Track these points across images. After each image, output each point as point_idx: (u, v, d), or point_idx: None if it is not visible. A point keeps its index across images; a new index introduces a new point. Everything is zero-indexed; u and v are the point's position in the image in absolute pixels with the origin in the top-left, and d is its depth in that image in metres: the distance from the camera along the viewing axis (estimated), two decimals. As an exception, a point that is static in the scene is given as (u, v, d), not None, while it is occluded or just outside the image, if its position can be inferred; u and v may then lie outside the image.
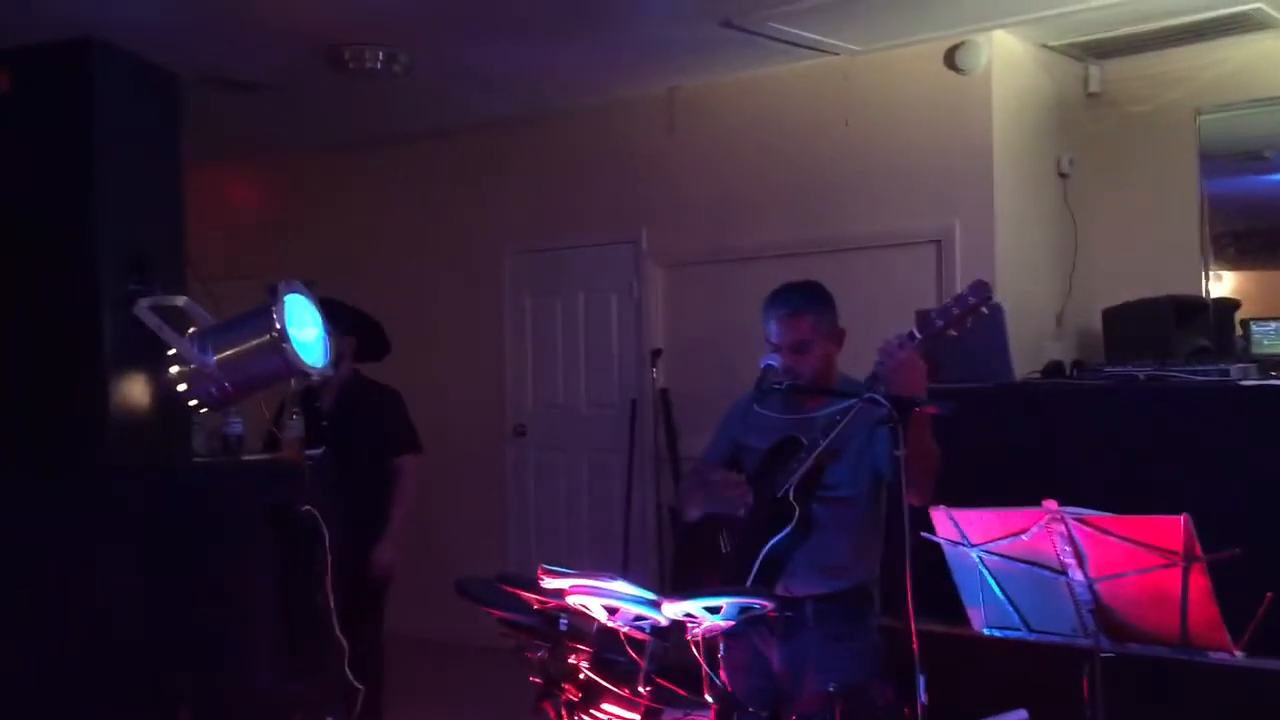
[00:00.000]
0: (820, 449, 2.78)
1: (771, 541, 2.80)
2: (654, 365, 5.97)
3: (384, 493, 4.70)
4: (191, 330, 2.99)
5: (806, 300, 2.97)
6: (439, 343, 6.96)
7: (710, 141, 6.02)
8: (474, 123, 6.63)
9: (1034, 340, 5.12)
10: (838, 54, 5.43)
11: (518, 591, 2.79)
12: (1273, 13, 4.83)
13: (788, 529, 2.80)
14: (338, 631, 3.26)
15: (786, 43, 5.24)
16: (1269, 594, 2.13)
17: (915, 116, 5.40)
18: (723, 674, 2.84)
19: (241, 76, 5.66)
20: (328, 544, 3.17)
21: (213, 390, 2.94)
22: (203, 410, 3.02)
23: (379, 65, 5.20)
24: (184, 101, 3.27)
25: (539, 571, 2.64)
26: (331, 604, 3.24)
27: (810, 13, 4.85)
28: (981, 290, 2.60)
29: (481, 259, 6.85)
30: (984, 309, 2.60)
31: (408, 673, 5.37)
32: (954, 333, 2.63)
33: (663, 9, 4.84)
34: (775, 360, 2.92)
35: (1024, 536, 2.31)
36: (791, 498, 2.80)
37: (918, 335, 2.65)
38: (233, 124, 6.45)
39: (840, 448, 2.80)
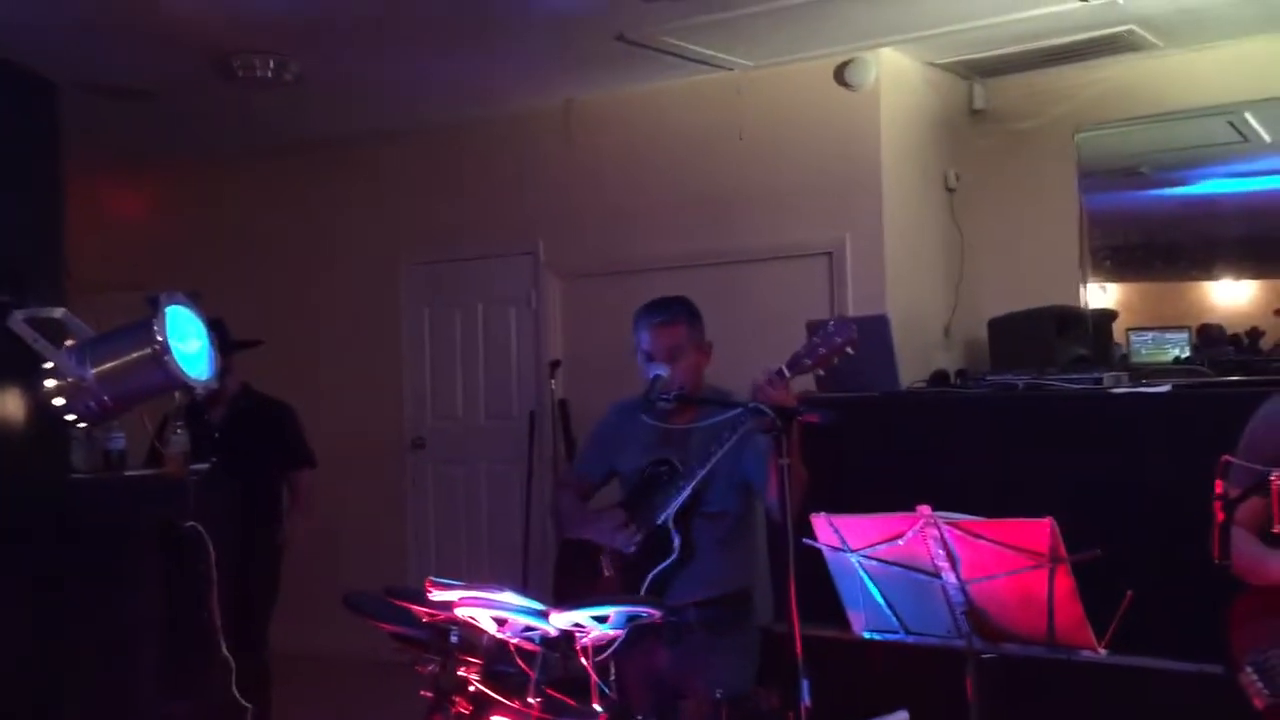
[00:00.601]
0: (698, 479, 2.86)
1: (657, 569, 2.89)
2: (552, 376, 5.97)
3: (272, 507, 4.64)
4: (70, 343, 2.92)
5: (678, 311, 3.08)
6: (334, 355, 6.88)
7: (607, 153, 6.06)
8: (368, 132, 6.57)
9: (923, 350, 5.25)
10: (731, 69, 5.51)
11: (407, 605, 2.77)
12: (1146, 35, 5.03)
13: (672, 557, 2.88)
14: (224, 650, 3.20)
15: (680, 57, 5.30)
16: (1130, 593, 2.21)
17: (807, 131, 5.50)
18: (614, 685, 2.86)
19: (128, 84, 5.54)
20: (213, 559, 3.12)
21: (91, 404, 2.86)
22: (81, 425, 2.95)
23: (269, 74, 5.13)
24: (64, 110, 3.20)
25: (427, 584, 2.63)
26: (218, 621, 3.18)
27: (703, 28, 4.91)
28: (847, 330, 2.72)
29: (377, 270, 6.79)
30: (849, 350, 2.72)
31: (299, 689, 5.30)
32: (821, 371, 2.77)
33: (556, 23, 4.86)
34: (663, 370, 2.97)
35: (900, 541, 2.37)
36: (671, 525, 2.87)
37: (786, 372, 2.74)
38: (121, 133, 6.31)
39: (713, 470, 2.87)
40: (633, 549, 2.95)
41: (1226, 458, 2.22)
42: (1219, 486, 2.16)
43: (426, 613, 2.72)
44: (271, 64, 5.12)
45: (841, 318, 2.80)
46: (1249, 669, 2.46)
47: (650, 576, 2.89)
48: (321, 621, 5.34)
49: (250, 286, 7.07)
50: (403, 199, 6.71)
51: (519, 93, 5.96)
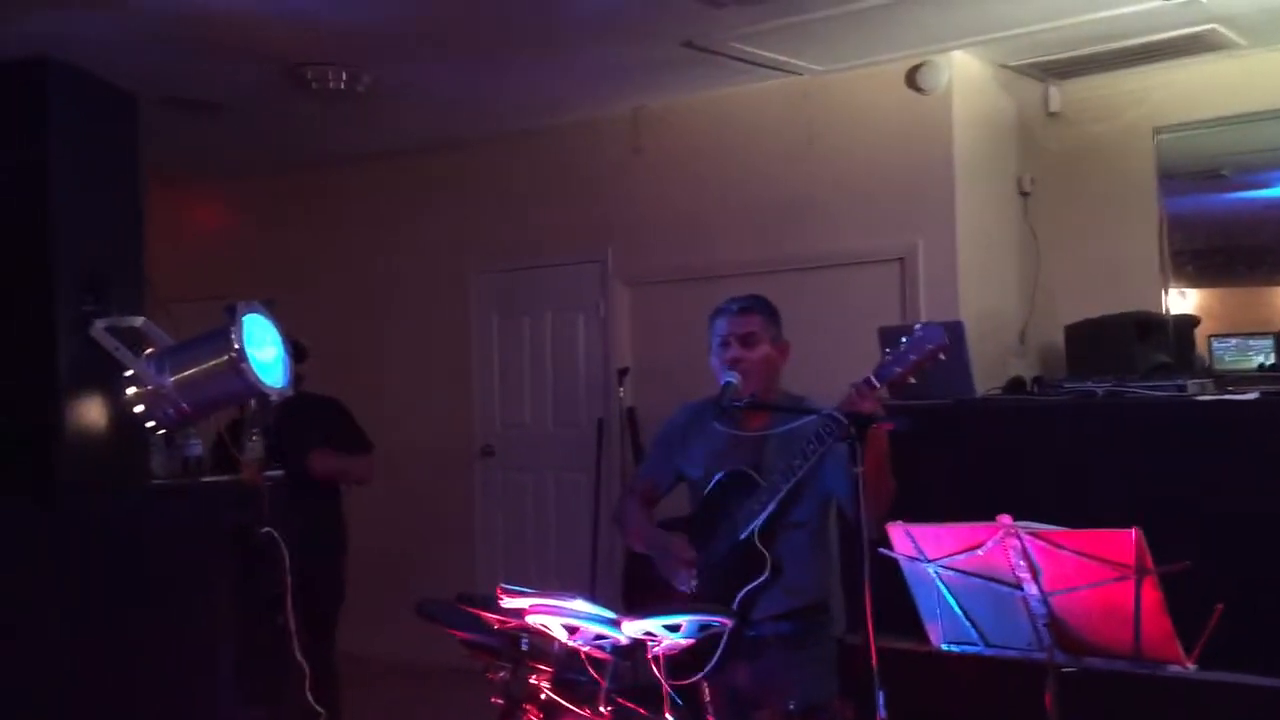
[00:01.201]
0: (783, 492, 2.80)
1: (747, 588, 2.84)
2: (620, 384, 5.97)
3: (334, 510, 4.67)
4: (149, 351, 2.97)
5: (756, 302, 3.07)
6: (404, 364, 6.95)
7: (675, 160, 6.05)
8: (438, 142, 6.63)
9: (998, 356, 5.16)
10: (800, 74, 5.47)
11: (478, 612, 2.78)
12: (1228, 33, 4.91)
13: (764, 577, 2.82)
14: (298, 655, 3.23)
15: (749, 63, 5.28)
16: (1219, 606, 2.15)
17: (877, 136, 5.44)
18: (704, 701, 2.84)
19: (204, 97, 5.65)
20: (287, 565, 3.15)
21: (170, 411, 2.90)
22: (160, 431, 2.99)
23: (342, 85, 5.20)
24: (143, 122, 3.25)
25: (498, 591, 2.63)
26: (292, 627, 3.21)
27: (771, 33, 4.88)
28: (938, 336, 2.63)
29: (447, 279, 6.84)
30: (941, 356, 2.63)
31: (371, 694, 5.34)
32: (912, 379, 2.66)
33: (624, 30, 4.86)
34: (734, 377, 2.94)
35: (979, 551, 2.32)
36: (758, 542, 2.83)
37: (875, 382, 2.67)
38: (196, 144, 6.43)
39: (799, 482, 2.82)
40: (690, 589, 2.91)
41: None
42: (1315, 497, 2.08)
43: (498, 620, 2.72)
44: (344, 75, 5.19)
45: (929, 323, 2.70)
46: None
47: (740, 595, 2.84)
48: (394, 627, 5.38)
49: (323, 296, 7.17)
50: (471, 208, 6.75)
51: (587, 101, 5.98)
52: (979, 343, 4.69)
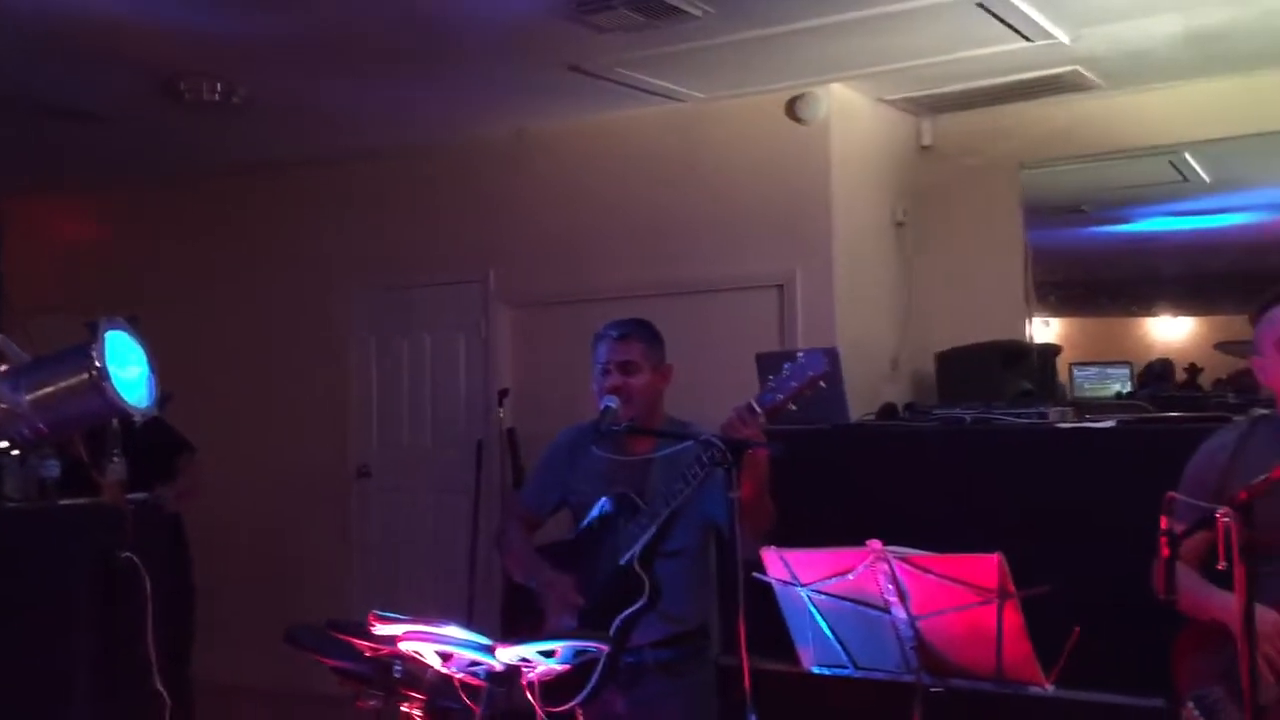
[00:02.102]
0: (663, 517, 2.82)
1: (625, 613, 2.83)
2: (501, 405, 5.93)
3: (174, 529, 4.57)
4: (3, 368, 2.84)
5: (637, 328, 3.07)
6: (279, 382, 6.80)
7: (558, 183, 6.06)
8: (317, 157, 6.52)
9: (872, 383, 5.27)
10: (683, 100, 5.53)
11: (349, 639, 2.72)
12: (1089, 75, 5.13)
13: (642, 602, 2.83)
14: (158, 684, 3.12)
15: (632, 88, 5.32)
16: (1076, 629, 2.22)
17: (758, 164, 5.53)
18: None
19: (74, 106, 5.45)
20: (149, 591, 3.04)
21: (25, 431, 2.79)
22: (14, 452, 2.87)
23: (216, 97, 5.08)
24: (6, 129, 3.13)
25: (370, 618, 2.58)
26: (153, 655, 3.10)
27: (655, 60, 4.94)
28: (819, 363, 2.67)
29: (325, 297, 6.72)
30: (822, 383, 2.66)
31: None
32: (793, 407, 2.69)
33: (509, 52, 4.86)
34: (614, 401, 2.95)
35: (850, 576, 2.37)
36: (638, 567, 2.84)
37: (757, 407, 2.69)
38: (64, 154, 6.21)
39: (678, 507, 2.84)
40: (574, 625, 2.89)
41: (1172, 495, 2.24)
42: (1164, 523, 2.17)
43: (369, 647, 2.67)
44: (219, 86, 5.07)
45: (811, 350, 2.74)
46: (1191, 704, 2.47)
47: (618, 621, 2.83)
48: (265, 654, 5.24)
49: (194, 311, 6.98)
50: (351, 225, 6.65)
51: (471, 120, 5.95)
52: (854, 369, 4.78)
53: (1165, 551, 2.15)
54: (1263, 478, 2.10)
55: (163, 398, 3.10)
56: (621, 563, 2.85)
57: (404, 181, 6.49)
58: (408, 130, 6.08)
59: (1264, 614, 2.28)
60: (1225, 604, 2.25)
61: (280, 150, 6.40)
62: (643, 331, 3.06)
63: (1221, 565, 2.07)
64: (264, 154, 6.47)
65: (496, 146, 6.16)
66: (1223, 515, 2.03)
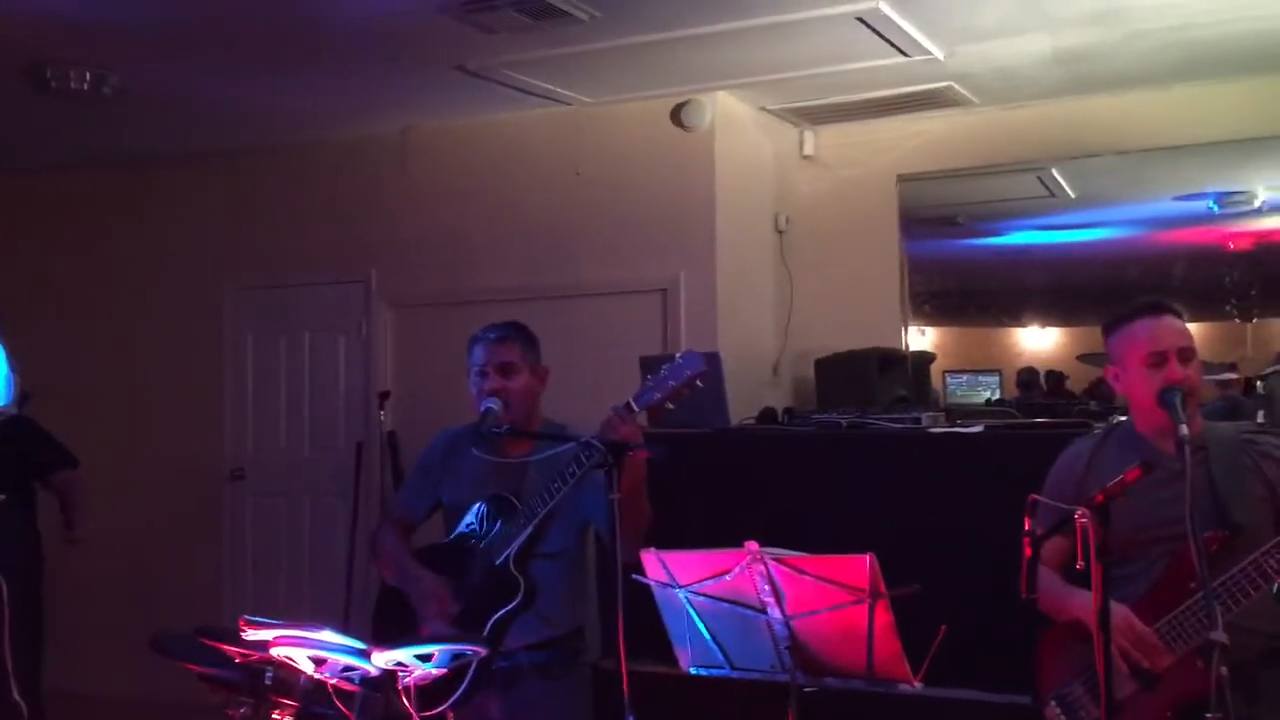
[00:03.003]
0: (539, 517, 2.82)
1: (499, 614, 2.83)
2: (382, 407, 5.85)
3: (32, 529, 4.39)
4: None
5: (513, 330, 3.07)
6: (151, 382, 6.59)
7: (443, 184, 6.00)
8: (193, 151, 6.35)
9: (753, 388, 5.35)
10: (569, 104, 5.54)
11: (219, 645, 2.66)
12: (963, 91, 5.29)
13: (515, 602, 2.82)
14: (16, 695, 3.00)
15: (519, 90, 5.30)
16: (943, 627, 2.29)
17: (643, 169, 5.56)
18: None
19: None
20: (5, 598, 2.93)
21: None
22: None
23: (85, 86, 4.89)
24: None
25: (240, 623, 2.52)
26: (9, 664, 2.98)
27: (542, 62, 4.93)
28: (695, 364, 2.72)
29: (199, 295, 6.54)
30: (699, 383, 2.71)
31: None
32: (670, 405, 2.73)
33: (395, 49, 4.80)
34: (495, 404, 2.94)
35: (727, 577, 2.40)
36: (513, 568, 2.83)
37: (634, 407, 2.73)
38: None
39: (555, 508, 2.84)
40: (450, 630, 2.88)
41: (1034, 497, 2.32)
42: (1027, 523, 2.25)
43: (240, 653, 2.61)
44: (88, 76, 4.89)
45: (689, 351, 2.79)
46: (1053, 702, 2.57)
47: (492, 621, 2.83)
48: (131, 663, 5.08)
49: (61, 309, 6.73)
50: (229, 222, 6.49)
51: (355, 118, 5.86)
52: (736, 374, 4.85)
53: (1028, 551, 2.23)
54: (1117, 479, 2.19)
55: (22, 396, 2.99)
56: (497, 563, 2.84)
57: (286, 178, 6.36)
58: (289, 126, 5.96)
59: (1115, 609, 2.38)
60: (1084, 603, 2.34)
61: (154, 143, 6.21)
62: (520, 334, 3.06)
63: (1080, 565, 2.16)
64: (137, 147, 6.27)
65: (381, 145, 6.08)
66: (1080, 516, 2.12)
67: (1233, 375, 4.97)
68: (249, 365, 6.50)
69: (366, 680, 2.54)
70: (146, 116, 5.68)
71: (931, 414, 4.31)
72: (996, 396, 5.68)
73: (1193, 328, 2.69)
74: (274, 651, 2.52)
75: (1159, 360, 2.55)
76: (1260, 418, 3.65)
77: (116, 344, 6.68)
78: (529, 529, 2.83)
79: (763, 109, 5.67)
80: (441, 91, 5.35)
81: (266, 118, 5.80)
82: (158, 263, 6.64)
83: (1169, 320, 2.60)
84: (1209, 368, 4.47)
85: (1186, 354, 2.55)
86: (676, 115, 5.45)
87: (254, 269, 6.43)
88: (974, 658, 3.38)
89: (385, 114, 5.79)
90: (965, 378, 5.90)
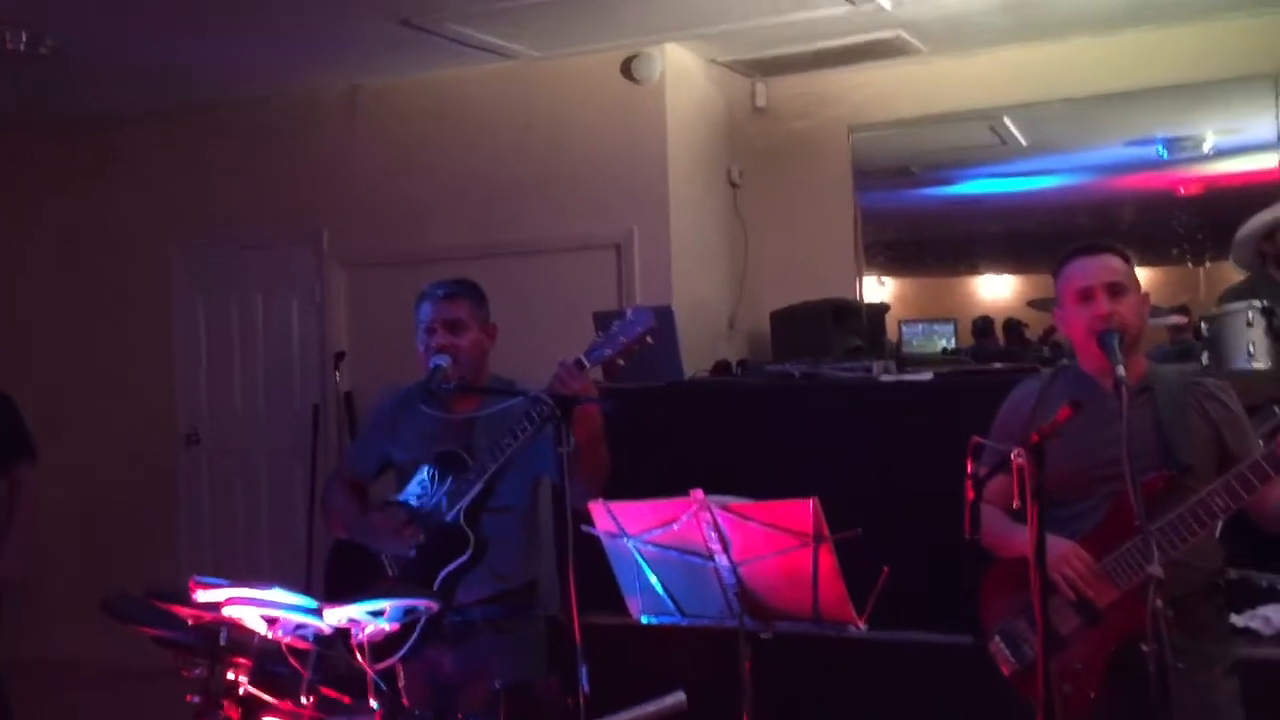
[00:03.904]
0: (490, 472, 2.83)
1: (448, 568, 2.84)
2: (337, 368, 5.82)
3: None
4: None
5: (462, 287, 3.04)
6: (100, 345, 6.52)
7: (394, 141, 5.95)
8: (137, 110, 6.24)
9: (708, 341, 5.37)
10: (517, 59, 5.49)
11: (171, 607, 2.65)
12: (912, 39, 5.28)
13: (466, 555, 2.83)
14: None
15: (466, 44, 5.24)
16: (885, 569, 2.32)
17: (594, 123, 5.53)
18: (399, 685, 2.82)
19: None
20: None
21: None
22: None
23: (21, 47, 4.80)
24: None
25: (191, 585, 2.52)
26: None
27: (488, 16, 4.88)
28: (646, 319, 2.73)
29: (147, 257, 6.46)
30: (649, 339, 2.72)
31: (56, 700, 5.00)
32: (622, 361, 2.74)
33: (338, 2, 4.72)
34: (444, 360, 2.93)
35: (674, 526, 2.41)
36: (463, 522, 2.84)
37: (586, 362, 2.74)
38: None
39: (505, 463, 2.84)
40: (413, 554, 2.88)
41: (977, 439, 2.34)
42: (970, 466, 2.28)
43: (193, 614, 2.61)
44: (24, 36, 4.79)
45: (639, 307, 2.80)
46: (997, 638, 2.61)
47: (442, 575, 2.84)
48: (85, 628, 5.05)
49: (7, 272, 6.62)
50: (176, 182, 6.39)
51: (301, 75, 5.78)
52: (691, 327, 4.87)
53: (970, 494, 2.25)
54: (1051, 420, 2.22)
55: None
56: (448, 518, 2.85)
57: (232, 137, 6.27)
58: (235, 84, 5.87)
59: (1056, 542, 2.42)
60: (1026, 540, 2.37)
61: (95, 104, 6.10)
62: (468, 290, 3.05)
63: (1016, 504, 2.19)
64: (79, 108, 6.15)
65: (329, 104, 6.01)
66: (1016, 456, 2.15)
67: (1182, 319, 5.03)
68: (201, 328, 6.45)
69: (320, 638, 2.55)
70: (87, 76, 5.57)
71: (883, 362, 4.34)
72: (952, 345, 5.73)
73: (1145, 273, 2.70)
74: (226, 612, 2.52)
75: (1086, 295, 2.57)
76: (1205, 360, 3.68)
77: (67, 309, 6.60)
78: (479, 484, 2.84)
79: (713, 61, 5.64)
80: (387, 47, 5.28)
81: (211, 76, 5.70)
82: (103, 226, 6.54)
83: (1105, 258, 2.61)
84: (1158, 311, 4.53)
85: (1116, 289, 2.55)
86: (626, 68, 5.41)
87: (202, 230, 6.35)
88: (925, 601, 3.45)
89: (331, 71, 5.72)
90: (920, 327, 5.94)
